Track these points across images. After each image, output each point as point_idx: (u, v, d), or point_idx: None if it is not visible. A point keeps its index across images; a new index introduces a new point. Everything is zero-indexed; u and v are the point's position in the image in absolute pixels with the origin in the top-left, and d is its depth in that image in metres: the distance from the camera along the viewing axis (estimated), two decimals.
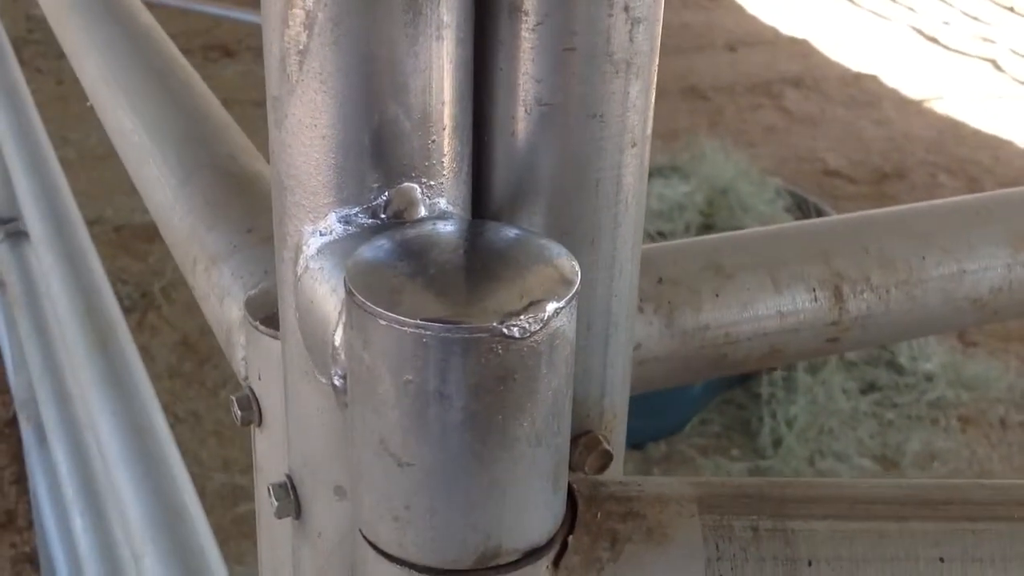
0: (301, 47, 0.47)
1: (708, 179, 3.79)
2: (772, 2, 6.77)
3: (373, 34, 0.46)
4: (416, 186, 0.49)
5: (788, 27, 6.41)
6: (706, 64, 5.88)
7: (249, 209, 0.72)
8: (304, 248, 0.50)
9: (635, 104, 0.52)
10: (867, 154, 5.01)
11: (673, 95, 5.47)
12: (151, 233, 3.94)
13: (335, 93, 0.47)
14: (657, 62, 0.53)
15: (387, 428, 0.43)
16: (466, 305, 0.42)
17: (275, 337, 0.58)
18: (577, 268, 0.45)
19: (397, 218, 0.49)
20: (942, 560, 0.47)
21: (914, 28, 6.50)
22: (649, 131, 0.54)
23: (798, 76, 5.75)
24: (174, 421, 3.20)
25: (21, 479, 3.09)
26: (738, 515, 0.48)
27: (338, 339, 0.47)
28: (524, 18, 0.49)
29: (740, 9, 6.71)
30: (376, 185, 0.49)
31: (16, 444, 3.10)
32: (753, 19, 6.55)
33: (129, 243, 4.07)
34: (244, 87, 5.05)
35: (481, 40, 0.50)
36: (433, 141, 0.49)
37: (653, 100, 0.53)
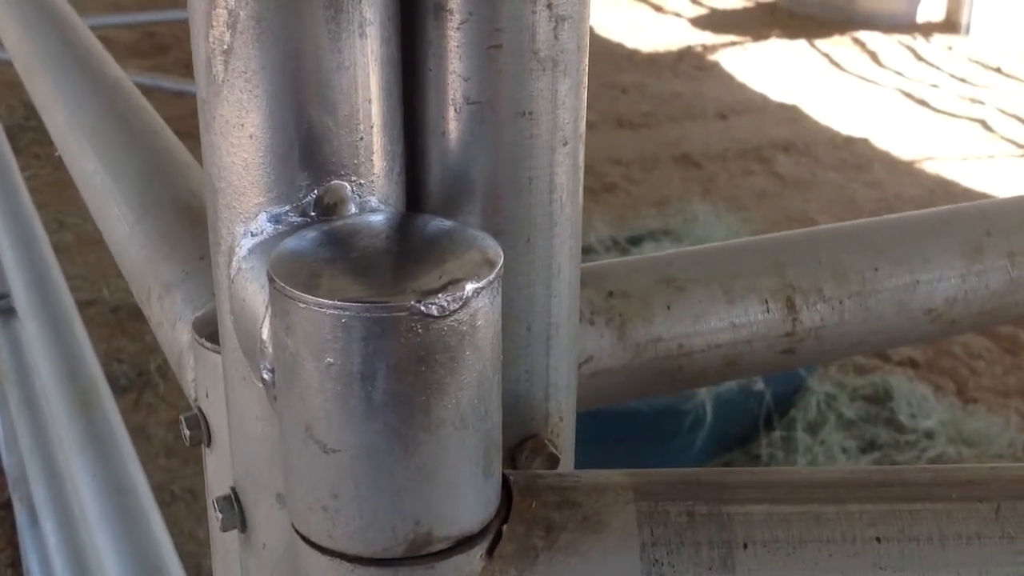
0: (225, 47, 0.47)
1: (700, 241, 3.81)
2: (761, 70, 6.84)
3: (295, 31, 0.47)
4: (346, 184, 0.49)
5: (777, 94, 6.47)
6: (698, 132, 5.92)
7: (203, 238, 0.72)
8: (236, 250, 0.50)
9: (564, 102, 0.52)
10: (859, 215, 5.01)
11: (666, 163, 5.51)
12: None
13: (261, 92, 0.48)
14: (586, 61, 0.53)
15: (312, 414, 0.43)
16: (385, 286, 0.43)
17: (219, 352, 0.58)
18: (500, 252, 0.45)
19: (327, 215, 0.49)
20: (879, 540, 0.46)
21: (902, 91, 6.56)
22: (582, 130, 0.54)
23: (788, 141, 5.79)
24: (170, 499, 3.18)
25: (16, 563, 3.06)
26: (674, 501, 0.47)
27: (265, 332, 0.47)
28: (449, 16, 0.50)
29: (730, 77, 6.77)
30: (306, 183, 0.49)
31: (11, 528, 3.08)
32: (743, 87, 6.61)
33: (125, 324, 4.07)
34: None
35: (409, 40, 0.51)
36: (361, 139, 0.49)
37: (585, 99, 0.54)
